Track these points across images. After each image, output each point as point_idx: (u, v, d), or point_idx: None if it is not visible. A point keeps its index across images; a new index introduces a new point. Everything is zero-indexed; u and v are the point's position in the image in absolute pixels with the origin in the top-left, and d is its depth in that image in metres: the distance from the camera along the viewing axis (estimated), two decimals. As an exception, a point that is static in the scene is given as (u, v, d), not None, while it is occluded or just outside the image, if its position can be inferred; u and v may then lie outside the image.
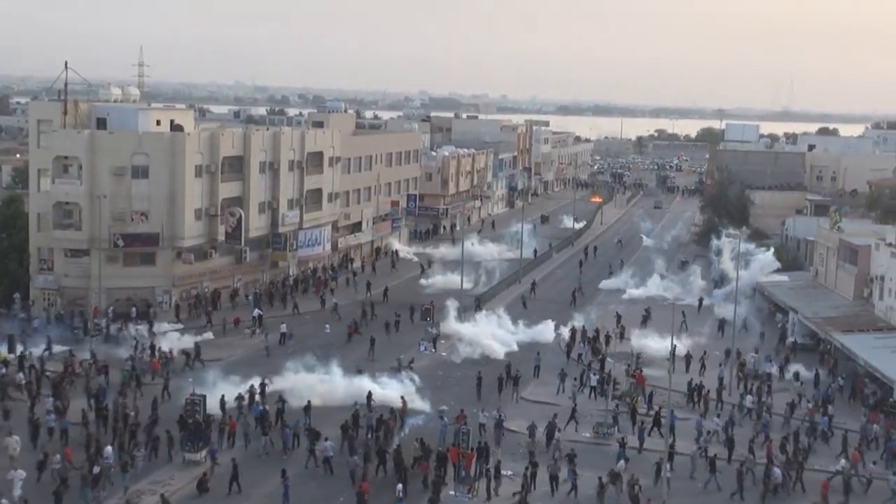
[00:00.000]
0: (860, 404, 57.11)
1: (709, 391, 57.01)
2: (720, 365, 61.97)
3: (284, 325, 68.97)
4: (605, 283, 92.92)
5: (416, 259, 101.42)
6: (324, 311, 76.95)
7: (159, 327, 68.18)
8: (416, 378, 57.49)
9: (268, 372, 57.07)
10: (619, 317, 75.21)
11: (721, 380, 59.52)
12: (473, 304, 77.98)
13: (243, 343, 67.51)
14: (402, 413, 51.41)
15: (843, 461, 46.51)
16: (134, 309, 69.83)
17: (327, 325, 71.53)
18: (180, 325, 69.43)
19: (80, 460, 43.01)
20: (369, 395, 53.43)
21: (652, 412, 53.34)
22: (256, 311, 71.50)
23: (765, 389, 58.37)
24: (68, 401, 51.45)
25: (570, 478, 43.60)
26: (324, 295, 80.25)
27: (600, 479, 42.35)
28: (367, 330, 69.92)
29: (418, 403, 53.63)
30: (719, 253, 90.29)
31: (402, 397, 53.21)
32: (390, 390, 55.15)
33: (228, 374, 55.72)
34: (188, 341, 64.98)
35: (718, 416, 53.32)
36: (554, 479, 43.74)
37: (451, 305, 73.31)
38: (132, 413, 49.06)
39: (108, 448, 43.94)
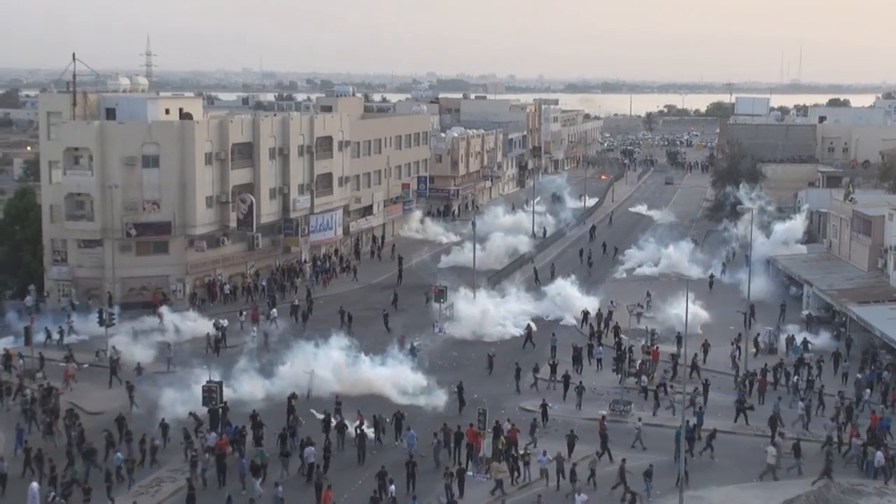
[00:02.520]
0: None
1: (764, 376, 55.65)
2: (732, 343, 61.61)
3: (275, 311, 69.18)
4: (621, 259, 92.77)
5: (451, 239, 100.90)
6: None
7: (177, 317, 66.89)
8: (417, 358, 57.61)
9: (266, 362, 56.56)
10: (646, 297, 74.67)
11: (734, 359, 59.18)
12: (487, 283, 77.97)
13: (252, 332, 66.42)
14: (361, 424, 47.32)
15: None
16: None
17: (253, 329, 65.06)
18: (194, 314, 68.90)
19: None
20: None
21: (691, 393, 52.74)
22: (275, 312, 69.41)
23: (805, 373, 56.94)
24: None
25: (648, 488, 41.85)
26: (310, 287, 77.84)
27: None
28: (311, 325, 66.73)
29: (421, 399, 52.73)
30: (734, 215, 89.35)
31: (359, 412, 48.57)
32: (394, 373, 54.82)
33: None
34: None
35: (802, 399, 51.92)
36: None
37: (458, 284, 73.32)
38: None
39: (33, 486, 39.67)
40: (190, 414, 47.19)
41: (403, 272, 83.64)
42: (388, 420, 48.15)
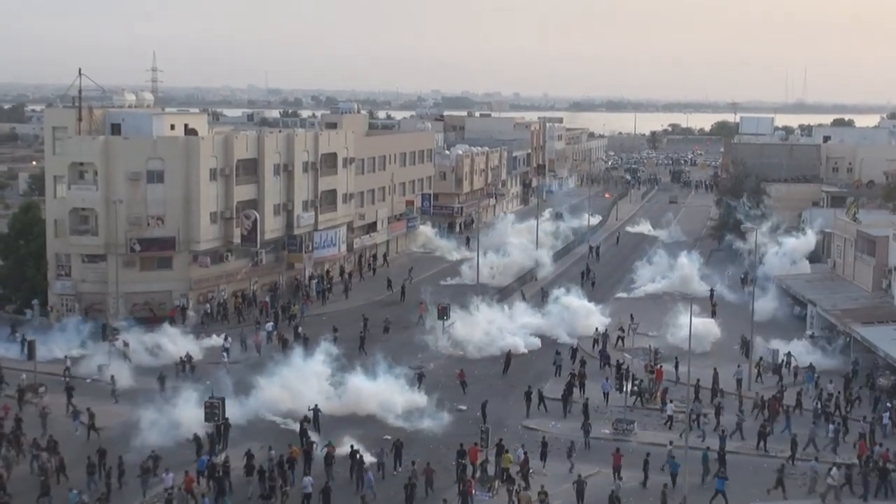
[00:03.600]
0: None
1: (781, 399, 54.56)
2: (738, 365, 60.95)
3: (270, 324, 69.29)
4: (631, 277, 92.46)
5: (464, 255, 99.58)
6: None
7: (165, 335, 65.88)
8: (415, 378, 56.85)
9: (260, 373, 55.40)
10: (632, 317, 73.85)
11: (739, 382, 58.44)
12: (492, 298, 77.70)
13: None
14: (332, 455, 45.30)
15: None
16: None
17: (224, 354, 62.86)
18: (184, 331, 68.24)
19: None
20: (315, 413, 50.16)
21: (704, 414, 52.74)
22: (270, 325, 69.86)
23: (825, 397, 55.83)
24: None
25: None
26: (292, 309, 75.78)
27: None
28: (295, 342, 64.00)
29: (420, 421, 51.75)
30: (737, 229, 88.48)
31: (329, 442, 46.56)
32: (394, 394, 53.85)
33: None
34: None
35: (834, 423, 51.01)
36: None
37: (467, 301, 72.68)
38: None
39: None
40: (151, 452, 44.68)
41: (406, 289, 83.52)
42: (387, 440, 47.73)
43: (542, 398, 55.16)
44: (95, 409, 51.00)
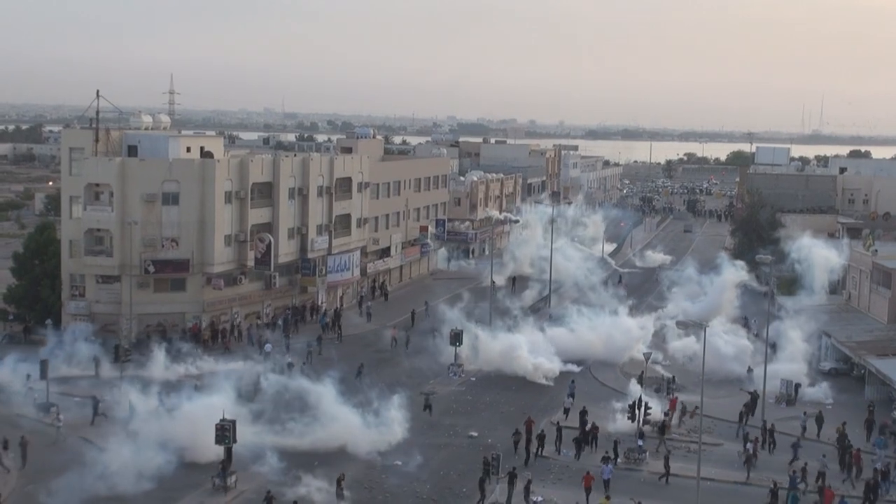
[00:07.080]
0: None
1: (858, 449, 51.53)
2: (805, 413, 58.44)
3: (269, 345, 68.81)
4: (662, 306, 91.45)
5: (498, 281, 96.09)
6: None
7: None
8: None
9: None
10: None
11: (804, 428, 56.09)
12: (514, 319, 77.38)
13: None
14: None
15: None
16: None
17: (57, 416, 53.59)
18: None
19: None
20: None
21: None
22: (269, 346, 69.17)
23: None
24: None
25: None
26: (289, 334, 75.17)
27: None
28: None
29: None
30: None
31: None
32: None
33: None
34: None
35: None
36: None
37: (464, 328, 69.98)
38: None
39: None
40: None
41: (417, 315, 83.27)
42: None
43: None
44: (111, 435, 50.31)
